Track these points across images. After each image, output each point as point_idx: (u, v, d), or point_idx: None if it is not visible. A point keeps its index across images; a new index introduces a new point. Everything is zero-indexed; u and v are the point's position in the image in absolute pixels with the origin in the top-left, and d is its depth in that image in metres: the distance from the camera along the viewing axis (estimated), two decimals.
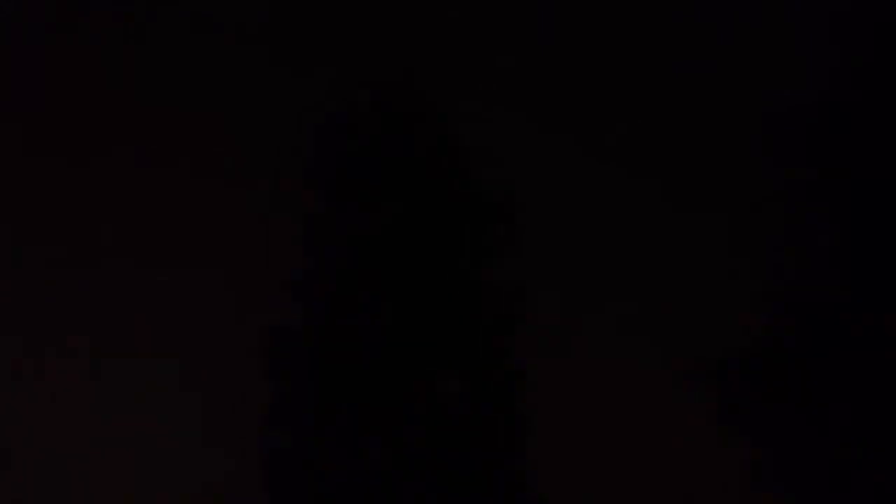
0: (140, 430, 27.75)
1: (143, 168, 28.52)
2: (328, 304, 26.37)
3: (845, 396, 25.76)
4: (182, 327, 27.78)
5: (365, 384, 26.04)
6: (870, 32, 26.73)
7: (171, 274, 27.82)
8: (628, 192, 29.03)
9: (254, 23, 29.21)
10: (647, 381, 28.12)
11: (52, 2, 28.77)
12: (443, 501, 25.67)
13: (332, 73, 27.86)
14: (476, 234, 26.67)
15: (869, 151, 26.41)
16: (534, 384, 26.10)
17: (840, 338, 25.93)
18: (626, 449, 27.94)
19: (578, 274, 28.56)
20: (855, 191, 26.13)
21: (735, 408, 26.37)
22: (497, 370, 26.11)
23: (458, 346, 26.23)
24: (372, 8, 29.24)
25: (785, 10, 29.11)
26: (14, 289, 27.50)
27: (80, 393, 27.42)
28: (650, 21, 29.37)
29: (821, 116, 26.66)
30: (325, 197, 26.51)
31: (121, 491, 27.69)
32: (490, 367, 26.07)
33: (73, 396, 27.34)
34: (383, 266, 26.44)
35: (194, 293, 27.95)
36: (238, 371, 27.04)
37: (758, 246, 26.92)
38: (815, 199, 26.19)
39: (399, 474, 25.60)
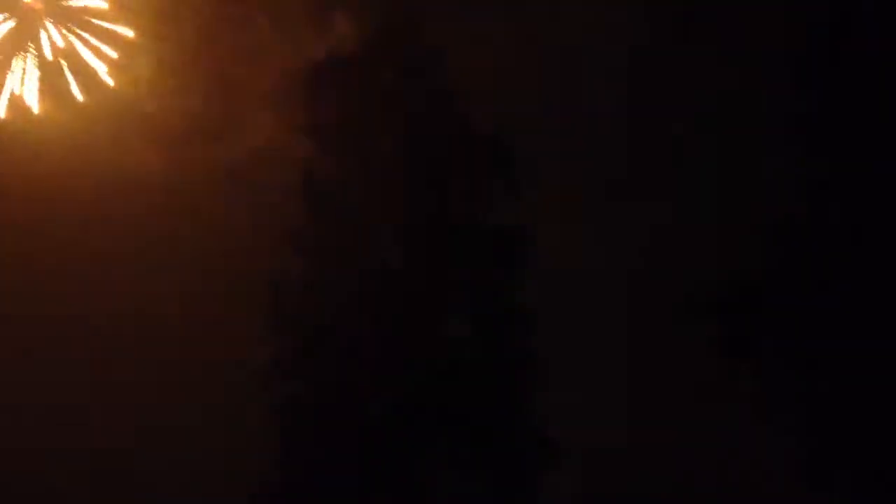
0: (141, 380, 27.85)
1: None
2: (330, 253, 26.19)
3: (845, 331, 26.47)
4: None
5: (372, 332, 26.01)
6: None
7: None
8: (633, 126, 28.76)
9: None
10: (651, 315, 28.06)
11: None
12: (455, 445, 26.04)
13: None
14: (477, 177, 26.47)
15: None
16: (541, 324, 26.33)
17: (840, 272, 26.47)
18: (633, 385, 27.96)
19: (580, 214, 28.41)
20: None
21: (739, 340, 27.07)
22: (504, 311, 26.21)
23: (464, 288, 26.22)
24: None
25: None
26: None
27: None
28: None
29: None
30: (320, 141, 26.14)
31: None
32: (497, 309, 26.15)
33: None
34: (385, 212, 26.20)
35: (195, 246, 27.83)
36: (244, 323, 26.75)
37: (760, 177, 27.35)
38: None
39: (409, 420, 25.83)
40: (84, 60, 29.10)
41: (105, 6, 29.03)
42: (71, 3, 29.18)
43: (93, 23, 29.09)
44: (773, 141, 27.16)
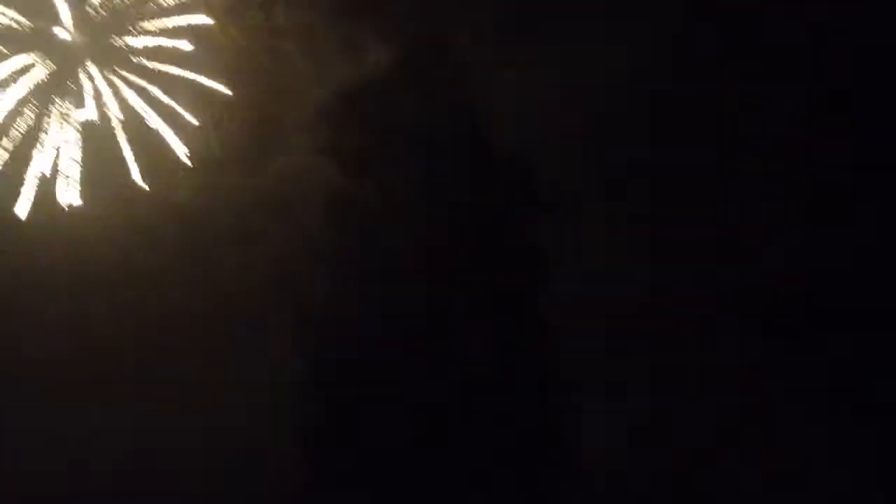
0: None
1: None
2: (357, 273, 27.10)
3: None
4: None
5: (399, 350, 26.59)
6: None
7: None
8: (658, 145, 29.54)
9: None
10: (672, 326, 28.63)
11: None
12: (479, 465, 26.04)
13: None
14: (502, 198, 27.13)
15: None
16: (561, 337, 26.62)
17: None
18: (656, 399, 28.45)
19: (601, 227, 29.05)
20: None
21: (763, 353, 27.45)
22: (528, 330, 26.49)
23: (489, 307, 26.61)
24: None
25: None
26: None
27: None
28: None
29: None
30: (349, 165, 27.24)
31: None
32: (521, 327, 26.46)
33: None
34: (412, 233, 27.08)
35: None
36: (269, 340, 27.98)
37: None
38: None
39: (434, 440, 26.05)
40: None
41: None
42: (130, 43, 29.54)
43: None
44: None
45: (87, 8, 29.30)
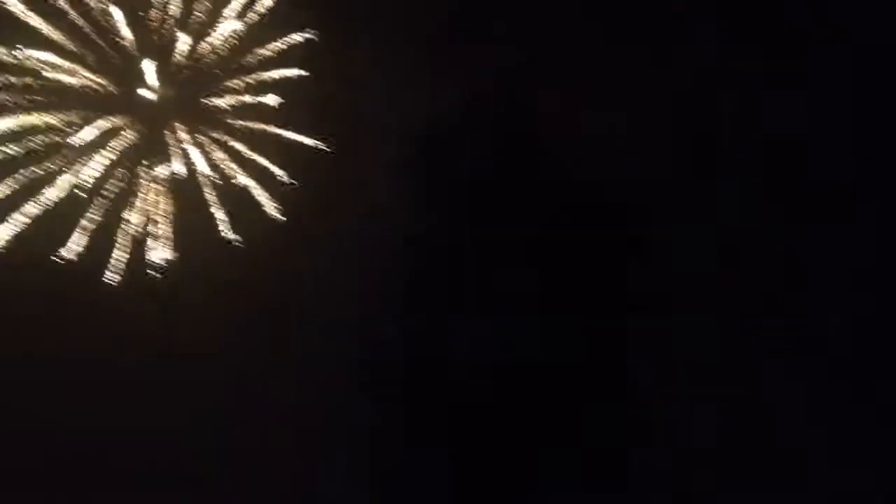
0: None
1: None
2: (435, 317, 26.80)
3: None
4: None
5: (470, 394, 26.24)
6: None
7: None
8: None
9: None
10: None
11: None
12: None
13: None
14: (584, 241, 26.88)
15: None
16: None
17: None
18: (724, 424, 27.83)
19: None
20: None
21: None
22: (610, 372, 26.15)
23: (570, 349, 26.23)
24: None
25: None
26: None
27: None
28: None
29: None
30: (425, 206, 27.11)
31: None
32: (602, 370, 26.12)
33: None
34: (488, 275, 26.82)
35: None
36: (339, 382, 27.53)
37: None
38: None
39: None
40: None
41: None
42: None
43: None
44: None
45: (172, 68, 29.18)
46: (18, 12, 28.14)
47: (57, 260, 28.30)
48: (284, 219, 29.57)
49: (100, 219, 28.84)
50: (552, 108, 28.33)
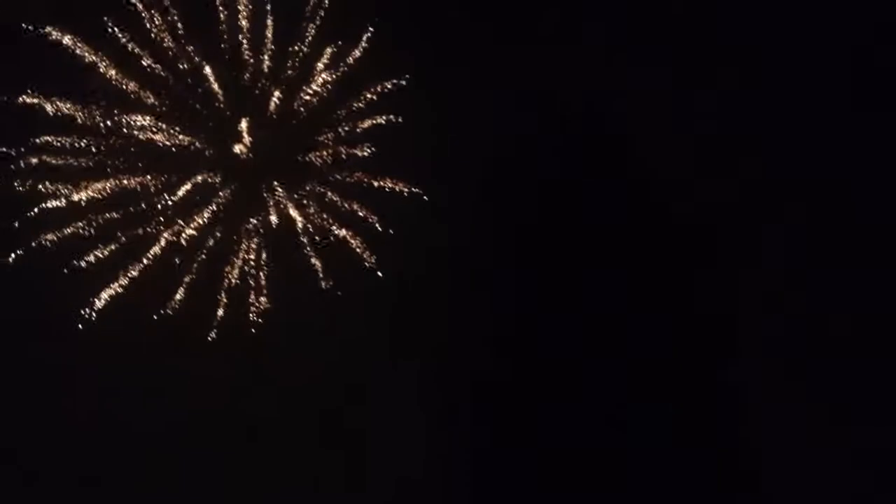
0: None
1: None
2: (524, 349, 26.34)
3: None
4: None
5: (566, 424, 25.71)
6: None
7: None
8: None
9: None
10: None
11: None
12: None
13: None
14: (668, 262, 26.37)
15: None
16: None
17: None
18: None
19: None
20: None
21: None
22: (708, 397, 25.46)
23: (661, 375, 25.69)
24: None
25: None
26: None
27: None
28: None
29: None
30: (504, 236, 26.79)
31: None
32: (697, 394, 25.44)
33: None
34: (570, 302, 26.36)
35: None
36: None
37: None
38: None
39: None
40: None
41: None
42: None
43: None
44: None
45: (265, 123, 29.47)
46: (113, 75, 28.64)
47: (159, 317, 28.39)
48: (379, 267, 29.41)
49: (199, 275, 28.95)
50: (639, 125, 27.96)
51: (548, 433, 25.36)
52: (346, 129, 30.03)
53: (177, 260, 28.89)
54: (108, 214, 28.77)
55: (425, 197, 29.89)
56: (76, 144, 28.64)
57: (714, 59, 28.87)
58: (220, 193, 29.49)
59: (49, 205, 28.53)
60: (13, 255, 28.06)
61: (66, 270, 28.37)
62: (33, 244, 28.29)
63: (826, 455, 27.15)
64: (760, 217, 28.31)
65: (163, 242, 29.01)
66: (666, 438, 25.26)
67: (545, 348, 26.26)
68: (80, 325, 28.33)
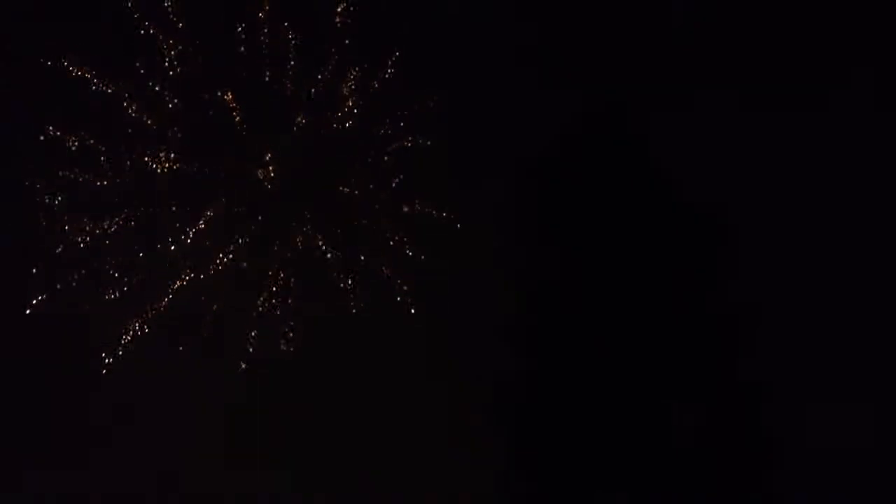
0: None
1: None
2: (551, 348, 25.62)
3: None
4: None
5: (594, 426, 24.95)
6: None
7: None
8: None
9: None
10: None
11: None
12: None
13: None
14: (696, 258, 25.62)
15: None
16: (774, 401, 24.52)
17: None
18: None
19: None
20: None
21: None
22: (736, 399, 24.66)
23: (691, 374, 24.94)
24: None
25: None
26: None
27: None
28: None
29: None
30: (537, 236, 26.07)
31: None
32: (724, 391, 24.65)
33: None
34: (601, 298, 25.61)
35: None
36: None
37: None
38: None
39: None
40: None
41: None
42: None
43: None
44: None
45: (291, 148, 29.12)
46: (135, 107, 28.54)
47: (185, 348, 28.09)
48: (411, 293, 28.87)
49: (227, 305, 28.59)
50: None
51: (572, 435, 24.61)
52: (374, 152, 29.45)
53: (204, 284, 28.45)
54: (133, 246, 28.49)
55: (458, 225, 29.19)
56: (100, 182, 28.47)
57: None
58: (247, 222, 29.06)
59: (75, 239, 28.32)
60: (37, 299, 27.74)
61: (88, 306, 27.99)
62: (58, 285, 28.00)
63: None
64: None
65: (190, 274, 28.61)
66: (688, 437, 24.43)
67: (574, 365, 25.45)
68: (107, 360, 28.04)
